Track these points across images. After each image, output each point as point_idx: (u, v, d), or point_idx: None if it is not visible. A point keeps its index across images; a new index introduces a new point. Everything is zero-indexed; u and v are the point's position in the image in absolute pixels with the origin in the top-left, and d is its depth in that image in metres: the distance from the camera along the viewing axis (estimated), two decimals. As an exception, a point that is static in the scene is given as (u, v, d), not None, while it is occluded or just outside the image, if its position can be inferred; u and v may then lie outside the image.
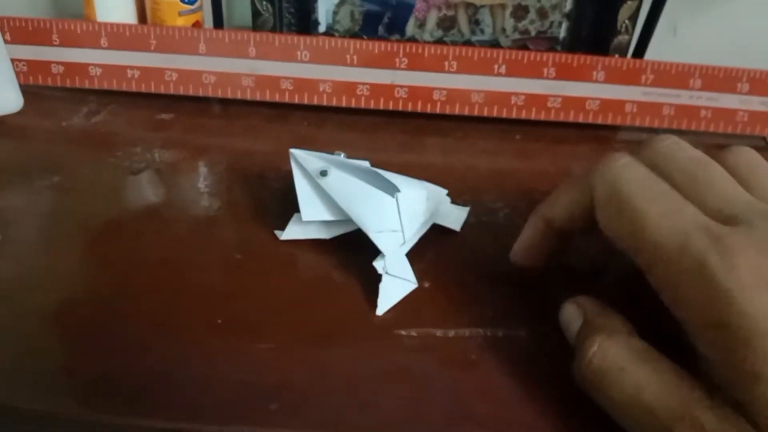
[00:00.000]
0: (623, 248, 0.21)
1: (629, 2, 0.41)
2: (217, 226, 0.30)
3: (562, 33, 0.46)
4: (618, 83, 0.40)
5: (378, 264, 0.26)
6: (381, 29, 0.46)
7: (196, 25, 0.45)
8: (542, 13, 0.46)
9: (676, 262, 0.18)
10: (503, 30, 0.46)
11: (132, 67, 0.40)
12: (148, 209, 0.31)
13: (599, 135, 0.41)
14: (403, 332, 0.24)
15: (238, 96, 0.40)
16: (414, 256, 0.27)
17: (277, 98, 0.40)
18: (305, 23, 0.45)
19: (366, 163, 0.29)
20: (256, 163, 0.35)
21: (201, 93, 0.40)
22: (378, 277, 0.25)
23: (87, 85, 0.41)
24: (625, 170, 0.21)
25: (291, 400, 0.21)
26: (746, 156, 0.23)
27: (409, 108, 0.40)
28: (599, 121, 0.40)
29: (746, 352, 0.17)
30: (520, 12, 0.46)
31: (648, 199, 0.20)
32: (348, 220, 0.28)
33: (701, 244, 0.18)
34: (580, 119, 0.40)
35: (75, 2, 0.45)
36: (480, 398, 0.22)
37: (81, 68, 0.41)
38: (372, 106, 0.41)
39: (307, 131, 0.40)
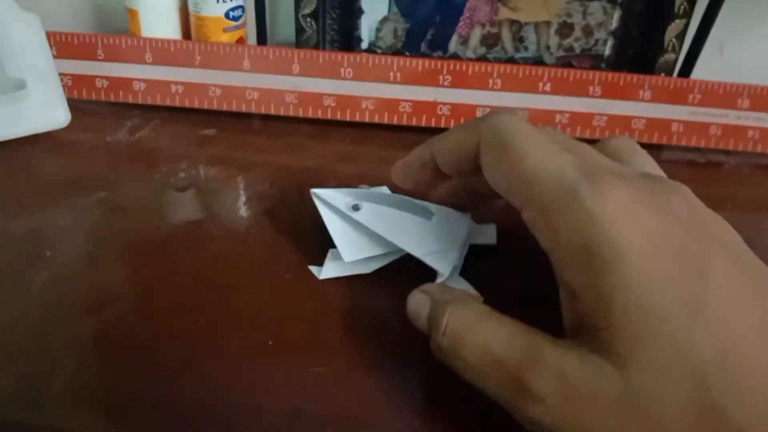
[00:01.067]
0: (501, 190, 0.22)
1: (677, 21, 0.41)
2: (264, 245, 0.30)
3: (607, 51, 0.46)
4: (665, 102, 0.39)
5: None
6: (423, 46, 0.46)
7: (240, 41, 0.45)
8: (587, 31, 0.45)
9: (550, 191, 0.19)
10: (548, 47, 0.46)
11: (176, 83, 0.41)
12: (194, 227, 0.31)
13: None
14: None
15: (281, 112, 0.41)
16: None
17: (319, 115, 0.40)
18: (348, 40, 0.45)
19: (385, 189, 0.29)
20: (299, 180, 0.35)
21: (244, 109, 0.41)
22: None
23: (131, 99, 0.41)
24: (512, 121, 0.22)
25: (345, 427, 0.21)
26: (625, 142, 0.24)
27: (452, 125, 0.40)
28: (644, 140, 0.40)
29: (605, 277, 0.18)
30: (565, 30, 0.45)
31: (530, 143, 0.21)
32: (387, 253, 0.27)
33: (574, 175, 0.19)
34: (626, 139, 0.40)
35: (120, 18, 0.45)
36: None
37: (125, 83, 0.41)
38: (414, 123, 0.40)
39: (349, 148, 0.39)
